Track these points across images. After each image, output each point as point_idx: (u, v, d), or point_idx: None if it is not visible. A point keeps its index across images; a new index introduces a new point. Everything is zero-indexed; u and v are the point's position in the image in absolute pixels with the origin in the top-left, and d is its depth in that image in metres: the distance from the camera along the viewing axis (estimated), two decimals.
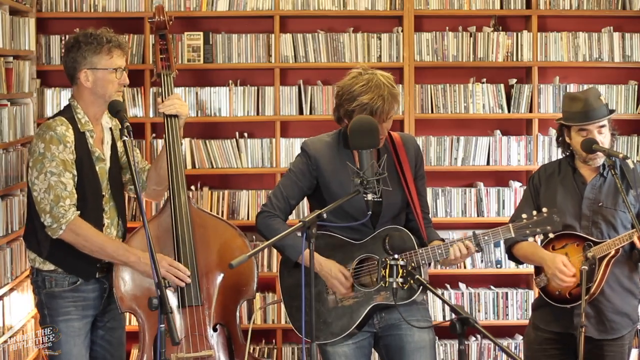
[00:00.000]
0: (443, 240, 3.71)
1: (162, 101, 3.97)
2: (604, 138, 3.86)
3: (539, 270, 3.96)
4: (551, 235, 3.78)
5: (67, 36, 5.48)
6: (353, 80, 3.57)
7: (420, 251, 3.56)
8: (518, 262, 4.10)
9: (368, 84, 3.52)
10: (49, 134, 3.66)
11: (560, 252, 3.87)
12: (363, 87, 3.52)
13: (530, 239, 3.82)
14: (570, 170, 3.98)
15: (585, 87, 5.68)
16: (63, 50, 3.83)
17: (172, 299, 3.78)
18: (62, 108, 3.93)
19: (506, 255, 4.14)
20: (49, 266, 3.74)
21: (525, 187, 4.18)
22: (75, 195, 3.67)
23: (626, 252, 3.85)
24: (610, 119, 3.90)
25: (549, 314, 3.95)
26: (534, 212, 3.62)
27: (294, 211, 3.85)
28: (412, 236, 3.60)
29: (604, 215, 3.89)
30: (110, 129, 3.88)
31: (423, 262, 3.56)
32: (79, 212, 3.65)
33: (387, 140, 3.71)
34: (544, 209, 3.62)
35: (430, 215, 3.83)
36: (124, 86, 3.80)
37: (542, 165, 4.18)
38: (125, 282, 3.77)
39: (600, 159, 3.89)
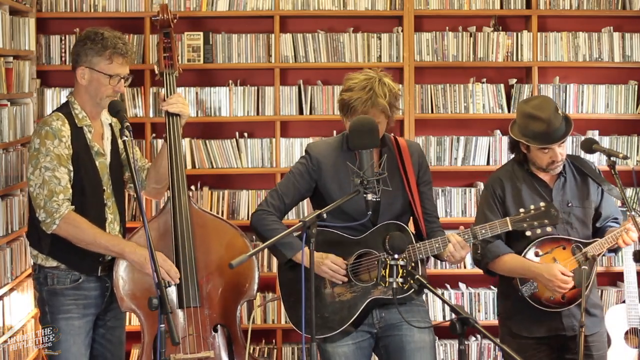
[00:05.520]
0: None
1: (165, 100, 3.98)
2: (563, 150, 3.86)
3: (522, 278, 3.91)
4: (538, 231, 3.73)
5: (67, 36, 5.49)
6: (356, 75, 3.65)
7: (418, 245, 3.58)
8: (492, 275, 4.02)
9: (359, 84, 3.59)
10: (45, 129, 3.67)
11: (547, 258, 3.86)
12: (355, 84, 3.60)
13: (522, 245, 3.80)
14: (527, 175, 3.96)
15: (585, 87, 5.69)
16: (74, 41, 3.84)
17: (172, 300, 3.78)
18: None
19: (483, 271, 4.04)
20: (52, 262, 3.74)
21: (482, 196, 4.06)
22: (70, 190, 3.67)
23: None
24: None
25: (529, 320, 3.92)
26: (532, 206, 3.61)
27: (294, 211, 3.86)
28: (409, 231, 3.61)
29: (576, 215, 3.91)
30: (111, 124, 3.89)
31: (421, 256, 3.57)
32: (73, 206, 3.65)
33: (392, 143, 3.74)
34: (542, 203, 3.61)
35: (438, 219, 3.82)
36: (119, 93, 3.80)
37: (494, 173, 4.09)
38: (126, 281, 3.77)
39: (560, 167, 3.90)
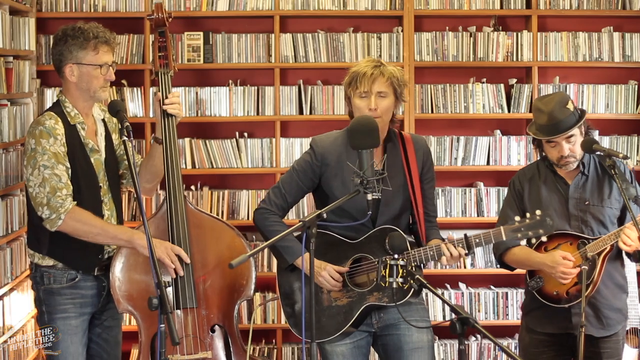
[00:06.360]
0: (443, 240, 3.69)
1: (162, 99, 3.97)
2: (573, 145, 3.83)
3: (531, 273, 3.93)
4: (544, 239, 3.69)
5: None
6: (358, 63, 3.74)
7: (413, 252, 3.56)
8: (509, 268, 4.03)
9: (364, 62, 3.68)
10: (38, 129, 3.66)
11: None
12: (360, 62, 3.69)
13: (523, 242, 3.74)
14: (550, 172, 3.95)
15: (585, 87, 5.69)
16: (52, 43, 3.83)
17: (170, 300, 3.77)
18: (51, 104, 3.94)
19: (497, 264, 4.06)
20: (48, 261, 3.74)
21: (507, 193, 4.09)
22: (71, 187, 3.66)
23: (617, 247, 3.84)
24: (584, 120, 3.85)
25: (542, 316, 3.92)
26: (527, 215, 3.55)
27: (294, 210, 3.84)
28: (406, 237, 3.59)
29: (592, 213, 3.89)
30: (103, 120, 3.89)
31: (415, 263, 3.56)
32: (75, 202, 3.65)
33: (397, 138, 3.73)
34: (537, 212, 3.55)
35: (436, 218, 3.82)
36: (110, 82, 3.80)
37: (520, 169, 4.12)
38: (122, 282, 3.76)
39: (573, 164, 3.88)
